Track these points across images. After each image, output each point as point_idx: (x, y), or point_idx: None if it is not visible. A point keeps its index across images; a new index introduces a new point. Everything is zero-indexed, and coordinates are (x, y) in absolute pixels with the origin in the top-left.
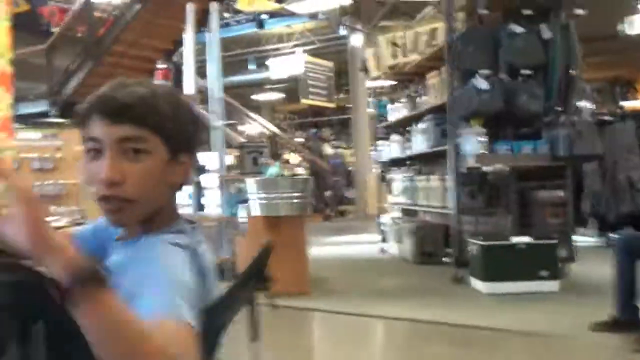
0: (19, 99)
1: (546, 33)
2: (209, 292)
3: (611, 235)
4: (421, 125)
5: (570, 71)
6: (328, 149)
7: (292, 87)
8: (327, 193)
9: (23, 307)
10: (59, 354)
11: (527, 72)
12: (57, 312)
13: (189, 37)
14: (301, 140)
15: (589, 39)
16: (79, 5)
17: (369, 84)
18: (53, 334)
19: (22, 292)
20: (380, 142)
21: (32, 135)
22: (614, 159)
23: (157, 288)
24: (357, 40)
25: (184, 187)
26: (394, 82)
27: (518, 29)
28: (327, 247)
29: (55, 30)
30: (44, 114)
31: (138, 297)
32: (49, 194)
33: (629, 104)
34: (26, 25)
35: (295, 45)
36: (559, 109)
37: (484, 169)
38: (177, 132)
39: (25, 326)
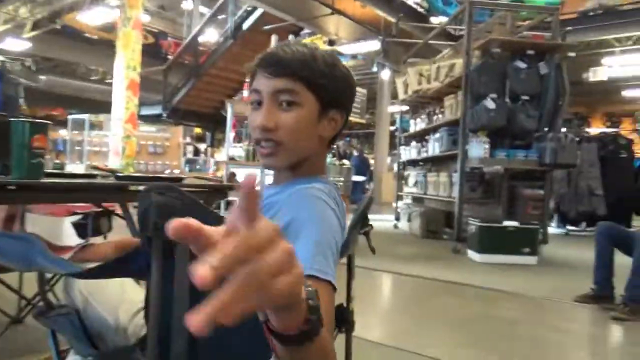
0: (142, 103)
1: (543, 69)
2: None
3: (569, 227)
4: (436, 135)
5: (559, 101)
6: (354, 153)
7: None
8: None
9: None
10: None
11: (526, 98)
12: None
13: None
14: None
15: None
16: (188, 40)
17: (390, 108)
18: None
19: (174, 213)
20: (401, 148)
21: (150, 128)
22: (580, 170)
23: (312, 241)
24: (385, 74)
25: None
26: (413, 106)
27: (522, 65)
28: None
29: (170, 57)
30: (159, 115)
31: (293, 239)
32: (157, 171)
33: (591, 130)
34: (150, 53)
35: None
36: (547, 128)
37: (484, 169)
38: (329, 89)
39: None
